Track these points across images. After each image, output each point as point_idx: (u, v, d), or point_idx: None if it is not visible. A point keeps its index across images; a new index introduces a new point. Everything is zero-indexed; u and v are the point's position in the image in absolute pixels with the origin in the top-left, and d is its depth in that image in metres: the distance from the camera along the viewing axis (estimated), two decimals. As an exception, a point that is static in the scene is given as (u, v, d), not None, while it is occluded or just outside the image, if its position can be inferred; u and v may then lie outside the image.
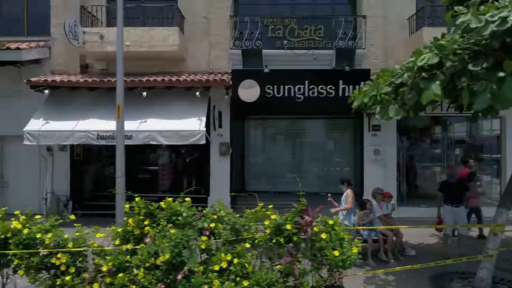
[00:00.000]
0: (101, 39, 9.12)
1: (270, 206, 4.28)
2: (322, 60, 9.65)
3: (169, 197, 4.30)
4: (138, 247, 3.89)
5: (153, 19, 10.10)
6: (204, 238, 3.91)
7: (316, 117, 10.46)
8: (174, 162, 11.16)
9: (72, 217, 4.20)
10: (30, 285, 4.14)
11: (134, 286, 3.78)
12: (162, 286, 3.75)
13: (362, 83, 9.01)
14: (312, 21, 9.86)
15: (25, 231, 3.90)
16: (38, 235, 3.93)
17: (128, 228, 4.12)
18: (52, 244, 3.92)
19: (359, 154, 10.48)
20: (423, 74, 4.39)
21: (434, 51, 4.30)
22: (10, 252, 3.90)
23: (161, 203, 4.28)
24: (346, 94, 9.11)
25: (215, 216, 4.14)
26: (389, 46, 10.08)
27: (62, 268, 3.89)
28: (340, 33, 9.84)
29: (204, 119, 8.93)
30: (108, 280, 3.83)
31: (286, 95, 9.14)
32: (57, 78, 9.19)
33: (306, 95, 9.15)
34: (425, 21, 9.25)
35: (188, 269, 3.75)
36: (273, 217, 4.03)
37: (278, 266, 3.92)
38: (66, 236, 3.99)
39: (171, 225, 4.01)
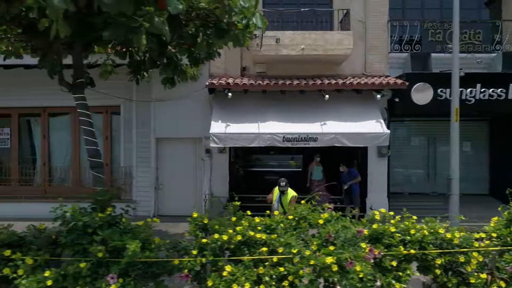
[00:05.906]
0: (277, 43, 9.23)
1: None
2: (482, 63, 9.91)
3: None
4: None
5: (307, 22, 10.24)
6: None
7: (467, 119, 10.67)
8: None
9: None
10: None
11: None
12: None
13: (532, 86, 9.27)
14: (471, 25, 10.08)
15: (412, 231, 4.06)
16: (449, 236, 4.08)
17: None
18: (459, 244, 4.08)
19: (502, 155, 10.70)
20: None
21: None
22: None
23: None
24: (516, 97, 9.38)
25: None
26: (537, 51, 10.34)
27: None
28: (498, 37, 10.09)
29: (382, 121, 9.07)
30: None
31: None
32: (237, 81, 9.29)
33: (477, 97, 9.36)
34: None
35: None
36: None
37: None
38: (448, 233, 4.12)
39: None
